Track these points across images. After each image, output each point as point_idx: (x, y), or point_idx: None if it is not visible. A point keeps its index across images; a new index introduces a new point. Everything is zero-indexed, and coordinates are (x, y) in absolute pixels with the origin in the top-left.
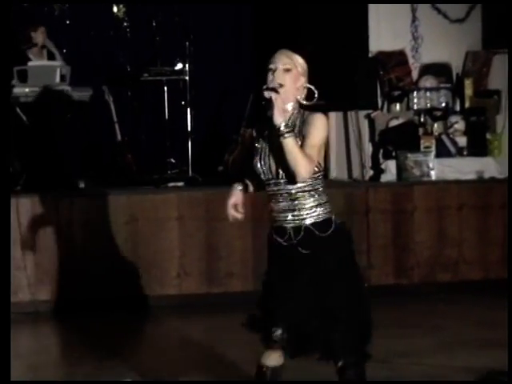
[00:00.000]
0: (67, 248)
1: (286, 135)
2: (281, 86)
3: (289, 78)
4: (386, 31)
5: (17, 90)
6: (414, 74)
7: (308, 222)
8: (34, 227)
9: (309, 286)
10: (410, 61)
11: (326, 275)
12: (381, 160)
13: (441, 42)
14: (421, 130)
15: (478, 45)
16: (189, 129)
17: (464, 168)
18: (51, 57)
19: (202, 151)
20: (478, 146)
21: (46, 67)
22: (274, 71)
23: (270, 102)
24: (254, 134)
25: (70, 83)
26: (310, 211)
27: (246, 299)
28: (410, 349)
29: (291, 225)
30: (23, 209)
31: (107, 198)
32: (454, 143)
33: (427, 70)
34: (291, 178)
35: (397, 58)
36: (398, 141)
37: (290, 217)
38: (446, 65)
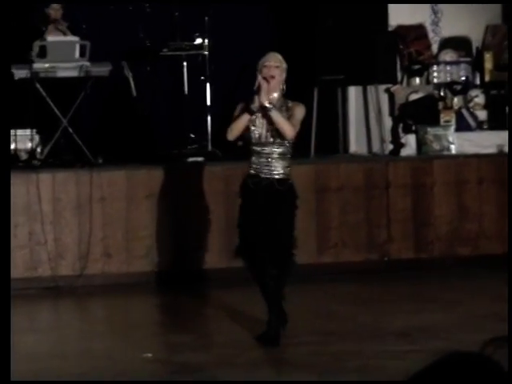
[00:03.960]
0: (87, 223)
1: (271, 109)
2: (272, 77)
3: (278, 72)
4: (405, 5)
5: (36, 66)
6: (434, 48)
7: (276, 177)
8: (53, 202)
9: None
10: (430, 35)
11: (278, 213)
12: (400, 134)
13: (461, 16)
14: (440, 104)
15: (497, 18)
16: (208, 104)
17: (484, 142)
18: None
19: (222, 126)
20: (497, 120)
21: (65, 42)
22: (268, 67)
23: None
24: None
25: (90, 58)
26: (280, 170)
27: None
28: (430, 322)
29: (266, 176)
30: (43, 184)
31: (126, 174)
32: (474, 117)
33: (447, 43)
34: (275, 143)
35: (416, 32)
36: (418, 115)
37: (266, 170)
38: (466, 38)
